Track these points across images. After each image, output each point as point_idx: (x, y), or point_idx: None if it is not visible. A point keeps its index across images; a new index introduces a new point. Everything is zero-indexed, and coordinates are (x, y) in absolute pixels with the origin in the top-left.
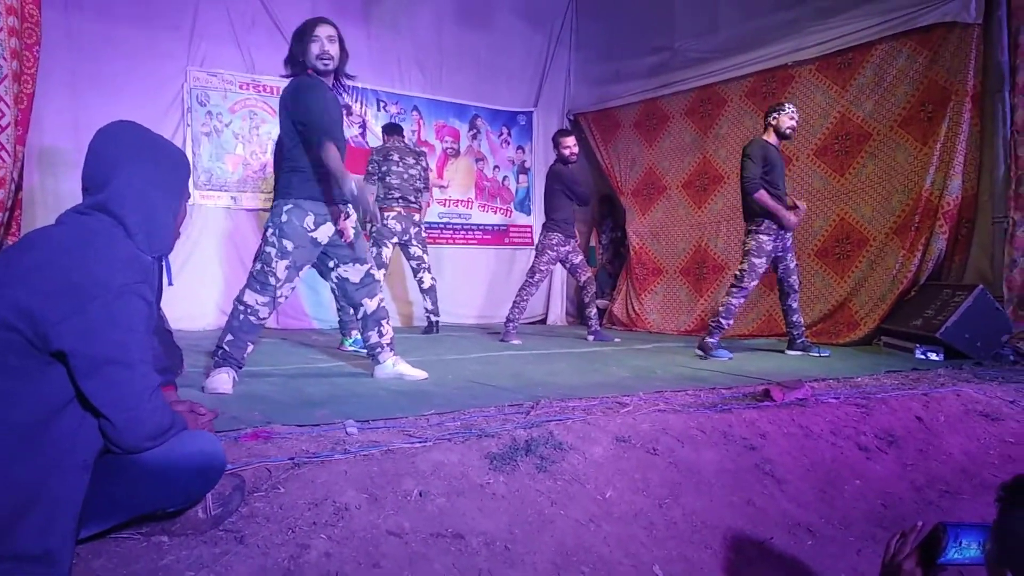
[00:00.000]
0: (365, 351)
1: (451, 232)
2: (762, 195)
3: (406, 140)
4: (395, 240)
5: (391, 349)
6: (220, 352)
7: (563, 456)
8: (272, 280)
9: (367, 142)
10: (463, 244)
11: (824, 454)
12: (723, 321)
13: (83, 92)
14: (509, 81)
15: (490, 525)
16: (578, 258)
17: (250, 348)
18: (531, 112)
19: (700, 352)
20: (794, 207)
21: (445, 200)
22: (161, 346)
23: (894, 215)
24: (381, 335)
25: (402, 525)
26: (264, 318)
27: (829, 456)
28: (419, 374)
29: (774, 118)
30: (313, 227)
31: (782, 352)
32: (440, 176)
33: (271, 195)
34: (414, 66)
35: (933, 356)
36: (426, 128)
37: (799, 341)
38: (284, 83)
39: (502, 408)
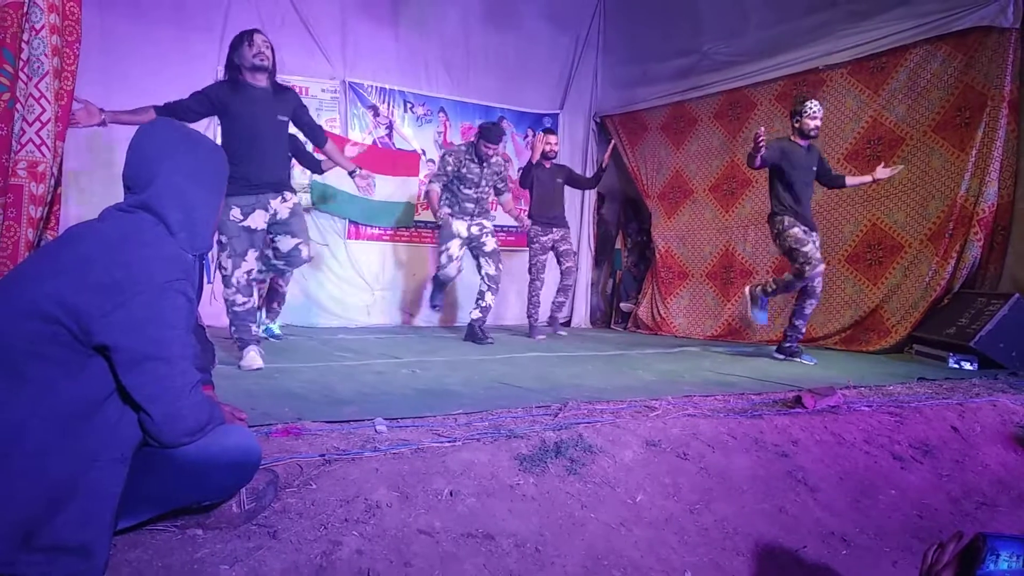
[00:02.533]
0: (272, 338)
1: None
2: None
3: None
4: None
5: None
6: (237, 340)
7: (593, 459)
8: (224, 272)
9: (394, 143)
10: None
11: (858, 463)
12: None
13: (115, 91)
14: (535, 83)
15: (520, 526)
16: (564, 246)
17: (254, 328)
18: (557, 114)
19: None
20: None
21: None
22: (198, 343)
23: (929, 221)
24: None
25: (433, 524)
26: (244, 302)
27: (863, 465)
28: (255, 363)
29: (797, 121)
30: (242, 217)
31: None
32: None
33: (300, 192)
34: (441, 67)
35: (967, 365)
36: (452, 129)
37: (789, 345)
38: (313, 83)
39: (529, 409)
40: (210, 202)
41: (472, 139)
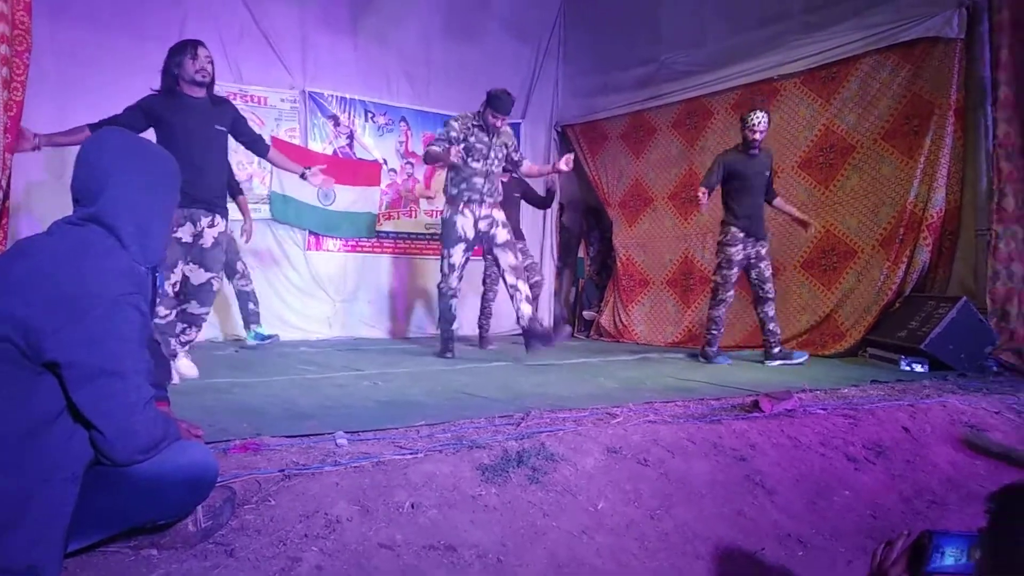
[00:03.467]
0: (265, 342)
1: (438, 243)
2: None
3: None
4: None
5: (182, 347)
6: (169, 350)
7: (555, 467)
8: None
9: (355, 153)
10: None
11: (813, 465)
12: (715, 332)
13: (69, 101)
14: None
15: (482, 537)
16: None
17: (173, 343)
18: (519, 124)
19: (703, 359)
20: (804, 224)
21: (432, 211)
22: (152, 358)
23: (880, 227)
24: (183, 332)
25: (394, 537)
26: (167, 315)
27: (818, 467)
28: (190, 372)
29: (741, 132)
30: (174, 228)
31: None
32: (427, 187)
33: (259, 203)
34: (402, 77)
35: (918, 367)
36: (414, 139)
37: (776, 350)
38: (271, 93)
39: (492, 419)
40: (163, 213)
41: (480, 108)
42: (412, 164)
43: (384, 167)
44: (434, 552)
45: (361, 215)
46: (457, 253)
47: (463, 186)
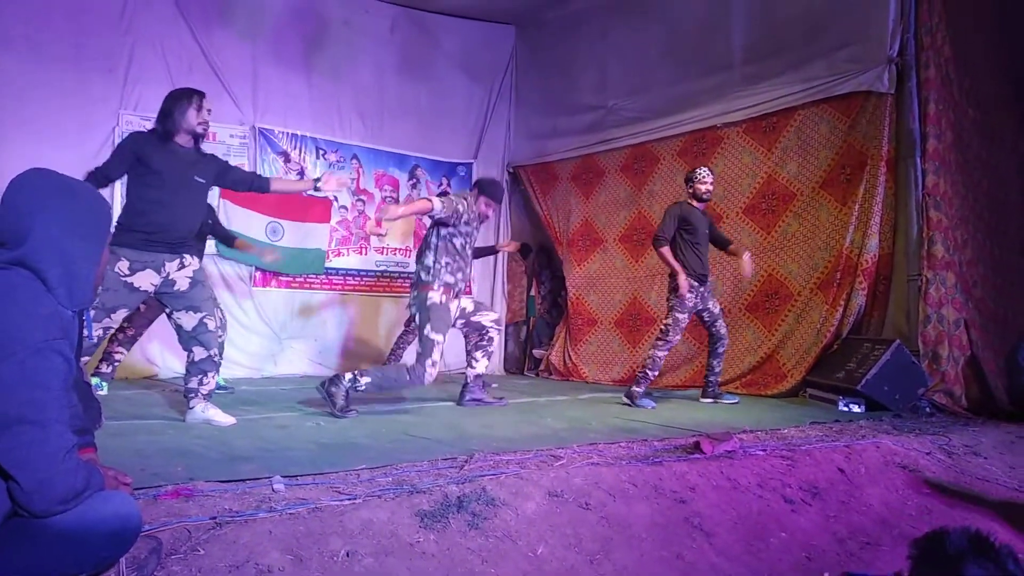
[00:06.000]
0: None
1: (388, 280)
2: (665, 251)
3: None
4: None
5: (205, 398)
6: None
7: (495, 512)
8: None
9: None
10: (402, 293)
11: (751, 507)
12: (649, 372)
13: (7, 133)
14: (450, 132)
15: None
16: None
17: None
18: (471, 163)
19: (627, 400)
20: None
21: (383, 248)
22: (80, 401)
23: (817, 271)
24: (201, 384)
25: None
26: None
27: (756, 508)
28: (227, 419)
29: (691, 186)
30: (128, 272)
31: (713, 403)
32: (379, 224)
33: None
34: (355, 115)
35: (855, 408)
36: (366, 177)
37: (710, 389)
38: (220, 128)
39: (435, 463)
40: (90, 255)
41: (467, 195)
42: (363, 201)
43: (335, 204)
44: None
45: (310, 251)
46: (442, 343)
47: (459, 276)
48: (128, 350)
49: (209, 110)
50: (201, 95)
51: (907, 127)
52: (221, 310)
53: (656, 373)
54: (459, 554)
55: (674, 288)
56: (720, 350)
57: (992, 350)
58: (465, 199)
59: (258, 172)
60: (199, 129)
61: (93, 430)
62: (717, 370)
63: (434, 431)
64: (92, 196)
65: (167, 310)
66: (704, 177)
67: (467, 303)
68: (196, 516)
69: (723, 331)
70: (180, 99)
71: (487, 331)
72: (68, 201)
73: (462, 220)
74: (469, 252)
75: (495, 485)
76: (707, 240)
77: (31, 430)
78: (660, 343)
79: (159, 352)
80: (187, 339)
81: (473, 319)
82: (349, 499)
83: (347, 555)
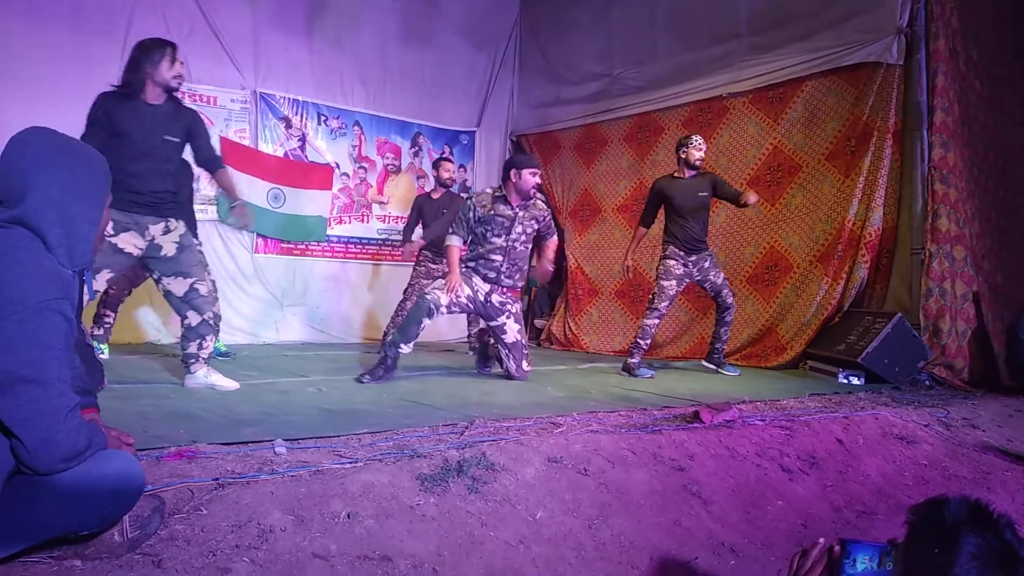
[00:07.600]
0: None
1: (390, 248)
2: (638, 232)
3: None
4: None
5: (205, 362)
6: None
7: (495, 477)
8: None
9: (307, 156)
10: (403, 261)
11: (749, 475)
12: (641, 342)
13: (4, 95)
14: (453, 100)
15: (418, 547)
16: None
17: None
18: (474, 132)
19: (625, 372)
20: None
21: (385, 216)
22: (82, 363)
23: (818, 244)
24: (200, 348)
25: (328, 548)
26: None
27: (754, 477)
28: (231, 384)
29: (683, 151)
30: (112, 232)
31: (715, 372)
32: (380, 192)
33: (205, 204)
34: (357, 82)
35: (855, 380)
36: (367, 144)
37: (715, 356)
38: (221, 93)
39: (436, 428)
40: (91, 215)
41: (500, 180)
42: (365, 168)
43: (337, 171)
44: (368, 562)
45: (311, 219)
46: (442, 288)
47: (480, 261)
48: (115, 311)
49: (183, 62)
50: (174, 46)
51: (914, 100)
52: (212, 278)
53: (648, 342)
54: (458, 517)
55: (661, 257)
56: (728, 318)
57: (1001, 322)
58: (478, 196)
59: (259, 138)
60: (173, 83)
61: (96, 391)
62: (724, 338)
63: (435, 398)
64: (94, 157)
65: (154, 275)
66: (699, 143)
67: (512, 328)
68: (199, 477)
69: (729, 300)
70: (151, 50)
71: (501, 342)
72: (70, 161)
73: (480, 222)
74: (503, 240)
75: (495, 450)
76: (702, 209)
77: (33, 388)
78: (649, 312)
79: (163, 319)
80: (179, 304)
81: (493, 326)
82: (350, 462)
83: (348, 516)
